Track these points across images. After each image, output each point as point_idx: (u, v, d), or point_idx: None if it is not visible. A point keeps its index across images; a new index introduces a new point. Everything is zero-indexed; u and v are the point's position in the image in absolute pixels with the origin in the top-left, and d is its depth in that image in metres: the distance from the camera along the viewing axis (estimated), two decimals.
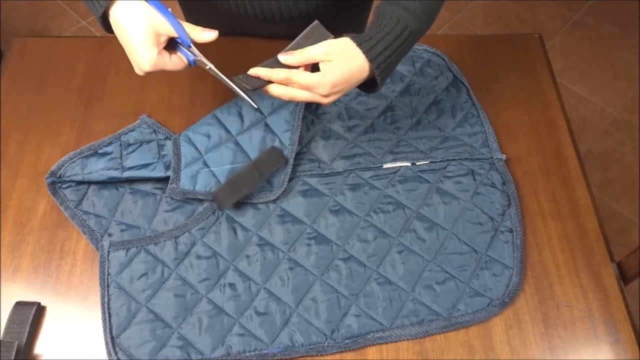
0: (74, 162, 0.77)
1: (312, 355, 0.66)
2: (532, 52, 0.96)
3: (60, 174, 0.76)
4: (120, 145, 0.79)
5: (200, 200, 0.76)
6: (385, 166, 0.80)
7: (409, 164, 0.80)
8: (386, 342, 0.68)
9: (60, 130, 0.83)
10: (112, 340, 0.66)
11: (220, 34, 0.67)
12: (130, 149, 0.78)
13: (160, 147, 0.79)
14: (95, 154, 0.78)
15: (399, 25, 0.65)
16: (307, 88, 0.64)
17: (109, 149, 0.79)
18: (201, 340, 0.66)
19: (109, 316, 0.67)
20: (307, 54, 0.65)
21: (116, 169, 0.76)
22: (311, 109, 0.85)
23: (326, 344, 0.67)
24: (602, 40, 2.14)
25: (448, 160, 0.81)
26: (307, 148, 0.82)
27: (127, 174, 0.76)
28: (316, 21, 0.68)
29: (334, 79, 0.64)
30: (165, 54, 0.64)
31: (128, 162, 0.77)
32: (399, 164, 0.80)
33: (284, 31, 0.84)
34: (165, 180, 0.77)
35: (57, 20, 2.09)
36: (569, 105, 1.94)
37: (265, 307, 0.69)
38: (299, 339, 0.67)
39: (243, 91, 0.66)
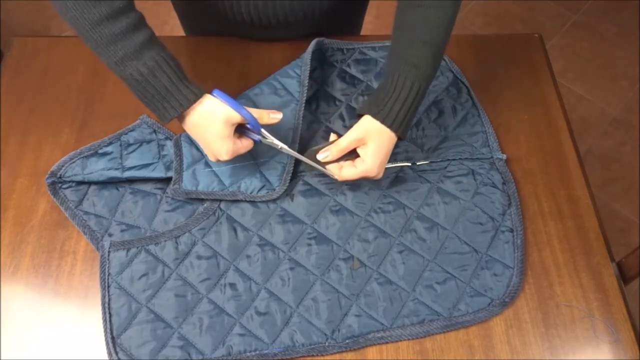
0: (74, 162, 0.77)
1: (313, 355, 0.66)
2: (532, 52, 0.96)
3: (60, 174, 0.76)
4: (121, 145, 0.79)
5: (201, 200, 0.76)
6: (385, 166, 0.80)
7: (409, 164, 0.80)
8: (386, 342, 0.68)
9: (60, 130, 0.83)
10: (113, 340, 0.66)
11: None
12: (130, 149, 0.78)
13: (161, 147, 0.79)
14: (95, 154, 0.78)
15: (413, 87, 0.69)
16: (359, 178, 0.72)
17: (109, 149, 0.79)
18: (202, 341, 0.66)
19: (110, 316, 0.67)
20: (341, 146, 0.71)
21: (116, 169, 0.76)
22: (311, 109, 0.85)
23: (327, 344, 0.67)
24: (602, 40, 2.14)
25: (448, 160, 0.81)
26: (307, 148, 0.81)
27: (127, 174, 0.76)
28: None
29: (374, 160, 0.70)
30: (237, 140, 0.69)
31: (128, 162, 0.77)
32: (399, 163, 0.80)
33: (281, 36, 0.85)
34: (165, 180, 0.77)
35: (57, 20, 2.09)
36: (569, 105, 1.94)
37: (265, 307, 0.69)
38: (300, 339, 0.67)
39: (320, 166, 0.73)
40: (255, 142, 0.71)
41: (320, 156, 0.72)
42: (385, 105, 0.69)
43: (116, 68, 0.65)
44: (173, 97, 0.64)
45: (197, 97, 0.65)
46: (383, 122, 0.69)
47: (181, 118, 0.68)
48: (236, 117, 0.67)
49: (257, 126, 0.69)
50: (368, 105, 0.71)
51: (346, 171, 0.72)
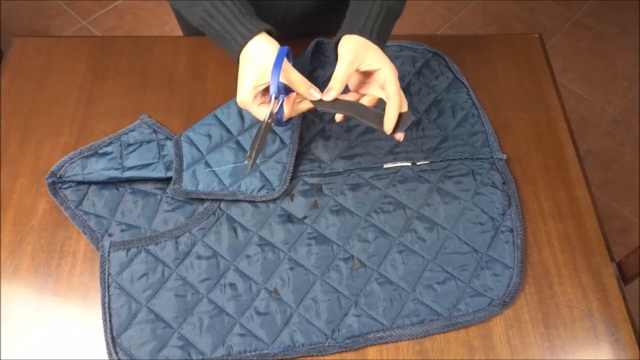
0: (74, 162, 0.77)
1: (313, 355, 0.66)
2: (532, 52, 0.96)
3: (60, 174, 0.76)
4: (121, 145, 0.79)
5: (201, 200, 0.76)
6: (385, 166, 0.80)
7: (409, 164, 0.80)
8: (386, 342, 0.68)
9: (60, 130, 0.83)
10: (113, 340, 0.66)
11: None
12: (130, 149, 0.78)
13: (161, 147, 0.79)
14: (95, 154, 0.78)
15: (381, 8, 0.69)
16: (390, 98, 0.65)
17: (109, 149, 0.79)
18: (202, 341, 0.66)
19: (110, 316, 0.67)
20: (340, 75, 0.66)
21: (116, 169, 0.76)
22: None
23: (327, 344, 0.67)
24: (602, 40, 2.14)
25: (448, 160, 0.81)
26: (307, 148, 0.82)
27: (127, 174, 0.76)
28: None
29: (386, 62, 0.66)
30: (257, 99, 0.67)
31: (128, 162, 0.77)
32: (399, 163, 0.80)
33: (277, 33, 0.85)
34: (165, 180, 0.77)
35: (57, 20, 2.09)
36: (569, 105, 1.94)
37: (265, 307, 0.69)
38: (300, 339, 0.67)
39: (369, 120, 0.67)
40: (276, 119, 0.67)
41: (327, 96, 0.67)
42: (357, 22, 0.68)
43: (189, 10, 0.69)
44: (233, 32, 0.65)
45: (252, 33, 0.65)
46: (360, 34, 0.67)
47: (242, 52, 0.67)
48: (265, 71, 0.64)
49: (274, 89, 0.64)
50: (340, 32, 0.69)
51: (392, 103, 0.65)
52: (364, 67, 0.67)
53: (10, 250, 0.72)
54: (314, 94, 0.67)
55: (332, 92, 0.66)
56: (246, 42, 0.65)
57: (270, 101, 0.66)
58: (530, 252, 0.75)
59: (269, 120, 0.66)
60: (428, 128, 0.84)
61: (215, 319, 0.68)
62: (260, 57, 0.65)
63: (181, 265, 0.71)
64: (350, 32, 0.68)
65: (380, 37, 0.69)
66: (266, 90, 0.66)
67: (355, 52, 0.66)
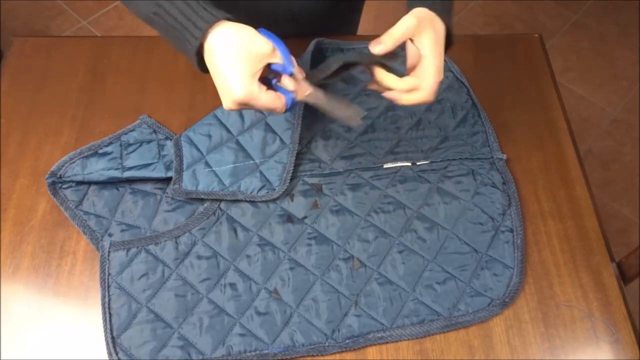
0: (74, 162, 0.77)
1: (313, 355, 0.66)
2: (532, 52, 0.96)
3: (60, 174, 0.76)
4: (121, 145, 0.79)
5: (201, 200, 0.76)
6: (385, 166, 0.80)
7: (409, 164, 0.80)
8: (386, 342, 0.68)
9: (60, 130, 0.83)
10: (113, 340, 0.66)
11: None
12: (130, 149, 0.78)
13: (161, 147, 0.79)
14: (95, 154, 0.78)
15: None
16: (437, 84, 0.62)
17: (109, 149, 0.79)
18: (202, 341, 0.66)
19: (110, 316, 0.67)
20: (396, 34, 0.60)
21: (116, 169, 0.76)
22: (311, 109, 0.85)
23: (327, 343, 0.67)
24: (602, 40, 2.14)
25: (448, 160, 0.81)
26: (307, 148, 0.82)
27: (127, 174, 0.76)
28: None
29: (436, 50, 0.61)
30: (262, 86, 0.58)
31: (128, 162, 0.77)
32: (399, 164, 0.80)
33: (281, 31, 0.84)
34: (165, 180, 0.77)
35: (57, 20, 2.09)
36: (569, 105, 1.94)
37: (265, 307, 0.69)
38: (300, 339, 0.67)
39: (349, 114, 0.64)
40: (286, 103, 0.59)
41: (375, 48, 0.61)
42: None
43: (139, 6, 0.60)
44: (190, 21, 0.57)
45: (217, 19, 0.56)
46: (432, 9, 0.61)
47: (204, 51, 0.58)
48: (267, 52, 0.57)
49: (288, 67, 0.58)
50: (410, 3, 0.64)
51: (424, 84, 0.61)
52: (417, 42, 0.61)
53: (10, 250, 0.72)
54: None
55: (381, 46, 0.61)
56: (206, 33, 0.57)
57: (273, 84, 0.59)
58: (530, 252, 0.75)
59: (309, 93, 0.60)
60: (428, 128, 0.84)
61: (215, 319, 0.68)
62: (241, 40, 0.56)
63: (181, 265, 0.71)
64: (424, 5, 0.62)
65: (449, 18, 0.64)
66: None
67: (419, 20, 0.60)
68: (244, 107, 0.59)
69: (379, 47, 0.61)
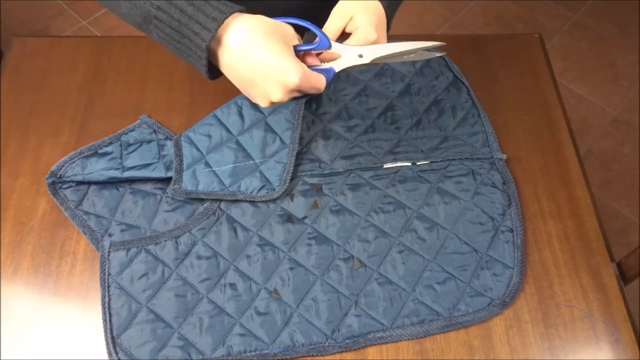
0: (74, 162, 0.77)
1: (313, 355, 0.66)
2: (532, 52, 0.96)
3: (60, 174, 0.76)
4: (121, 145, 0.79)
5: (201, 200, 0.76)
6: (385, 166, 0.80)
7: (409, 164, 0.80)
8: (386, 342, 0.68)
9: (60, 130, 0.83)
10: (113, 340, 0.66)
11: None
12: (130, 149, 0.78)
13: (161, 147, 0.79)
14: (95, 154, 0.78)
15: None
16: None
17: (109, 149, 0.79)
18: (202, 341, 0.66)
19: (110, 316, 0.67)
20: (329, 29, 0.60)
21: (116, 169, 0.76)
22: (311, 109, 0.85)
23: (327, 344, 0.67)
24: (602, 40, 2.14)
25: (448, 160, 0.81)
26: (307, 148, 0.82)
27: (127, 174, 0.76)
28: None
29: (368, 22, 0.59)
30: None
31: (128, 162, 0.77)
32: (399, 164, 0.80)
33: None
34: (165, 180, 0.77)
35: (57, 20, 2.09)
36: (569, 105, 1.94)
37: (265, 307, 0.69)
38: (300, 339, 0.67)
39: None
40: (325, 78, 0.57)
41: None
42: None
43: (133, 13, 0.55)
44: (202, 12, 0.51)
45: (232, 9, 0.51)
46: None
47: (216, 54, 0.53)
48: (291, 32, 0.54)
49: (324, 39, 0.56)
50: None
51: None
52: (350, 25, 0.61)
53: (10, 250, 0.72)
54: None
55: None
56: (224, 25, 0.52)
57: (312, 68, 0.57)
58: (530, 252, 0.75)
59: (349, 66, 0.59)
60: (428, 128, 0.84)
61: (215, 319, 0.68)
62: (271, 25, 0.53)
63: (181, 265, 0.71)
64: None
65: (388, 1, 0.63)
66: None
67: (349, 6, 0.60)
68: (293, 95, 0.56)
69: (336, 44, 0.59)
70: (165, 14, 0.52)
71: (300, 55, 0.59)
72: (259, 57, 0.52)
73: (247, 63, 0.53)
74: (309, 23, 0.57)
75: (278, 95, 0.54)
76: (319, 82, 0.56)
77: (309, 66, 0.58)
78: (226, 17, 0.51)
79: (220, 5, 0.52)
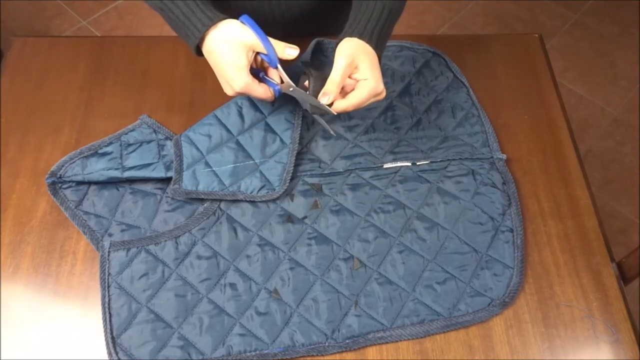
0: (74, 162, 0.77)
1: (313, 355, 0.66)
2: (532, 52, 0.96)
3: (60, 174, 0.76)
4: (121, 145, 0.79)
5: (201, 200, 0.76)
6: (385, 166, 0.80)
7: (409, 164, 0.80)
8: (386, 342, 0.68)
9: (60, 130, 0.83)
10: (113, 340, 0.66)
11: None
12: (130, 149, 0.78)
13: (161, 147, 0.79)
14: (95, 154, 0.78)
15: (384, 8, 0.71)
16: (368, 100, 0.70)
17: (109, 149, 0.79)
18: (202, 340, 0.66)
19: (110, 316, 0.67)
20: (337, 79, 0.67)
21: (116, 169, 0.76)
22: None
23: (327, 343, 0.67)
24: (602, 40, 2.14)
25: (448, 160, 0.81)
26: (307, 148, 0.82)
27: (127, 174, 0.76)
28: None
29: (375, 74, 0.68)
30: (254, 80, 0.69)
31: (128, 162, 0.77)
32: (399, 163, 0.80)
33: (276, 35, 0.85)
34: (165, 180, 0.77)
35: (57, 20, 2.10)
36: (569, 105, 1.94)
37: (265, 307, 0.69)
38: (300, 339, 0.67)
39: (320, 110, 0.71)
40: (274, 93, 0.71)
41: (323, 100, 0.69)
42: (359, 24, 0.70)
43: None
44: (190, 22, 0.68)
45: (212, 22, 0.67)
46: (360, 37, 0.69)
47: (202, 46, 0.69)
48: (253, 43, 0.67)
49: (274, 60, 0.68)
50: (342, 34, 0.71)
51: (353, 96, 0.68)
52: (356, 74, 0.69)
53: (10, 250, 0.72)
54: (291, 52, 0.70)
55: (330, 95, 0.68)
56: (204, 35, 0.67)
57: (262, 79, 0.70)
58: (530, 252, 0.75)
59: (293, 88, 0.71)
60: (428, 128, 0.84)
61: (215, 319, 0.68)
62: (231, 36, 0.67)
63: (181, 265, 0.71)
64: (351, 35, 0.69)
65: (380, 40, 0.70)
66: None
67: (351, 57, 0.67)
68: (242, 94, 0.70)
69: (327, 97, 0.68)
70: (167, 14, 0.71)
71: (264, 64, 0.72)
72: (217, 62, 0.69)
73: (212, 63, 0.70)
74: (263, 36, 0.67)
75: (230, 92, 0.70)
76: (265, 94, 0.70)
77: (265, 76, 0.72)
78: (207, 29, 0.68)
79: (203, 17, 0.67)
